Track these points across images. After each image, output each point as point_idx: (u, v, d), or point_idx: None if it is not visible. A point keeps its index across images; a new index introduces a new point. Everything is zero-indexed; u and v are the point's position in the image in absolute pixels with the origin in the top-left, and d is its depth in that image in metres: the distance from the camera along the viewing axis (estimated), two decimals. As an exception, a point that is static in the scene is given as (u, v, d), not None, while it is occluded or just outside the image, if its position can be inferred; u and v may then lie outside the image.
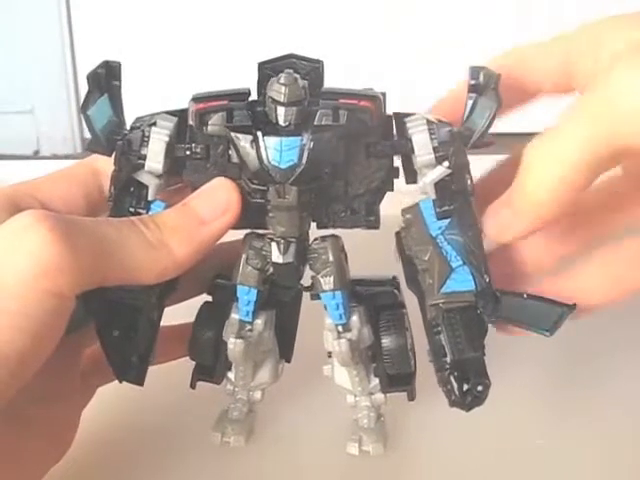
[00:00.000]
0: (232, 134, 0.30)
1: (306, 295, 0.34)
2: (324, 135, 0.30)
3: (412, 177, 0.34)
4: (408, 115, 0.33)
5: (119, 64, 0.33)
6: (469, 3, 0.75)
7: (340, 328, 0.33)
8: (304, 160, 0.30)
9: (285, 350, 0.37)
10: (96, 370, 0.35)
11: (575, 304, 0.31)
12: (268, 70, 0.31)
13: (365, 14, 0.75)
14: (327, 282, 0.32)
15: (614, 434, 0.39)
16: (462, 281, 0.32)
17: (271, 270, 0.33)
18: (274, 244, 0.32)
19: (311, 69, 0.32)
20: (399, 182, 0.33)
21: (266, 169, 0.30)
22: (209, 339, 0.35)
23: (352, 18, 0.75)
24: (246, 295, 0.33)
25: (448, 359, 0.32)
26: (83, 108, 0.32)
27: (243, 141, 0.30)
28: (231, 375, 0.36)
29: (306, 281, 0.34)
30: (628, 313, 0.40)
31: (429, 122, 0.32)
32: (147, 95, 0.46)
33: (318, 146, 0.30)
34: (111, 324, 0.32)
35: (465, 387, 0.32)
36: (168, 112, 0.33)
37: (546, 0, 0.75)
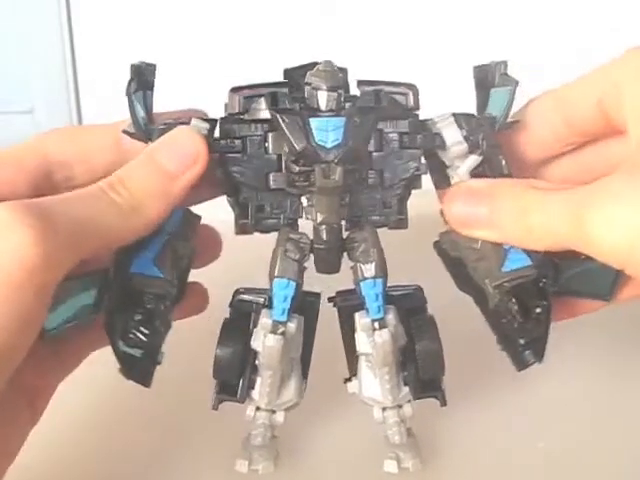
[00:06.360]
0: (278, 116, 0.31)
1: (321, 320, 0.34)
2: (368, 116, 0.31)
3: (439, 179, 0.34)
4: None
5: (154, 66, 0.34)
6: (472, 6, 0.75)
7: (376, 325, 0.32)
8: (349, 140, 0.31)
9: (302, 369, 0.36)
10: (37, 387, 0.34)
11: None
12: (294, 76, 0.32)
13: (376, 20, 0.74)
14: (368, 269, 0.32)
15: (616, 436, 0.39)
16: (518, 259, 0.32)
17: (306, 265, 0.33)
18: (315, 230, 0.32)
19: None
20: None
21: (313, 148, 0.31)
22: (234, 354, 0.34)
23: (360, 23, 0.74)
24: (284, 290, 0.32)
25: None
26: (128, 90, 0.32)
27: (290, 122, 0.31)
28: (254, 393, 0.34)
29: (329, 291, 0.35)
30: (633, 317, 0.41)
31: (454, 115, 0.33)
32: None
33: (363, 126, 0.31)
34: (132, 308, 0.32)
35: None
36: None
37: (547, 0, 0.75)
